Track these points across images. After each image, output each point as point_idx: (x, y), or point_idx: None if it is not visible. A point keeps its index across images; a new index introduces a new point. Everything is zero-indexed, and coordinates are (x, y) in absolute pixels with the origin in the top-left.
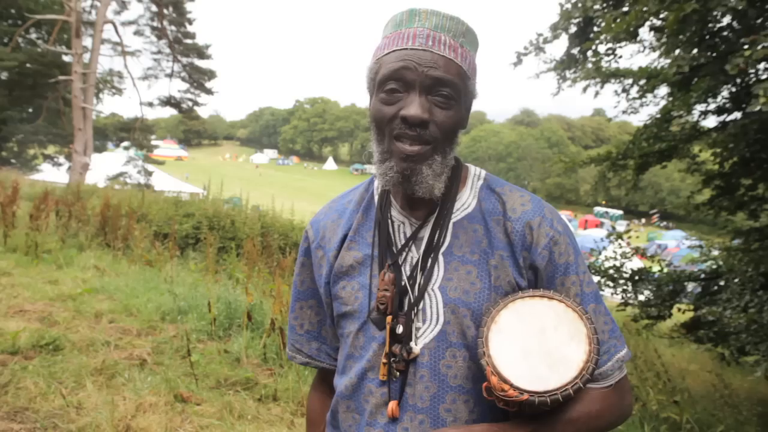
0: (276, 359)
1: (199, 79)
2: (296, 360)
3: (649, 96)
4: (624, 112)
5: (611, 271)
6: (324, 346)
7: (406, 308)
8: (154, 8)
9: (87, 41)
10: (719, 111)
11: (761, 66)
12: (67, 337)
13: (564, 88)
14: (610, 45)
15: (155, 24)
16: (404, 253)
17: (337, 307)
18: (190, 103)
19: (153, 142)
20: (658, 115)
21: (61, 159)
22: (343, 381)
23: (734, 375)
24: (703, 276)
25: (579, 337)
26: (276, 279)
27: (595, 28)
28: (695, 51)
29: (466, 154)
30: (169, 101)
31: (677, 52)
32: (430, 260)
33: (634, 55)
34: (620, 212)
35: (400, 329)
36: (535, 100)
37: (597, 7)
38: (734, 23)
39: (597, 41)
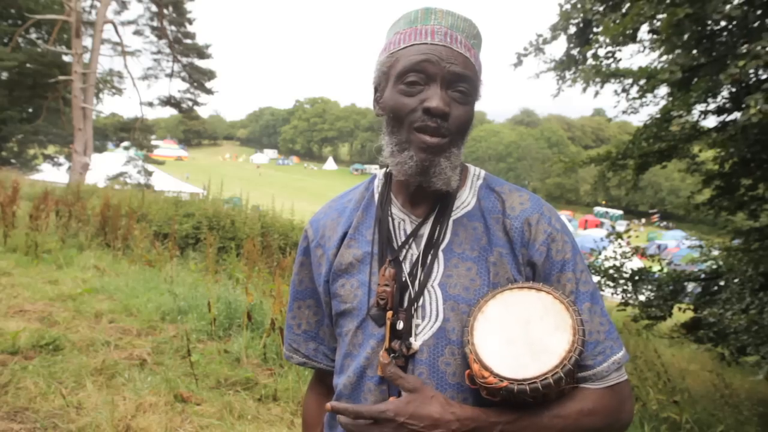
0: (276, 359)
1: (199, 79)
2: (293, 360)
3: (649, 96)
4: (624, 112)
5: (611, 271)
6: (321, 346)
7: (406, 304)
8: (154, 8)
9: (87, 41)
10: (719, 111)
11: (752, 72)
12: (67, 337)
13: (564, 88)
14: (609, 48)
15: (155, 24)
16: (404, 250)
17: (335, 305)
18: (190, 103)
19: (153, 142)
20: (658, 115)
21: (61, 159)
22: (342, 380)
23: (734, 375)
24: (703, 276)
25: (564, 328)
26: (276, 279)
27: (594, 29)
28: (695, 51)
29: (466, 154)
30: (169, 101)
31: (677, 52)
32: (430, 257)
33: (634, 55)
34: (620, 212)
35: (400, 325)
36: (535, 100)
37: (596, 8)
38: (732, 26)
39: (596, 45)
